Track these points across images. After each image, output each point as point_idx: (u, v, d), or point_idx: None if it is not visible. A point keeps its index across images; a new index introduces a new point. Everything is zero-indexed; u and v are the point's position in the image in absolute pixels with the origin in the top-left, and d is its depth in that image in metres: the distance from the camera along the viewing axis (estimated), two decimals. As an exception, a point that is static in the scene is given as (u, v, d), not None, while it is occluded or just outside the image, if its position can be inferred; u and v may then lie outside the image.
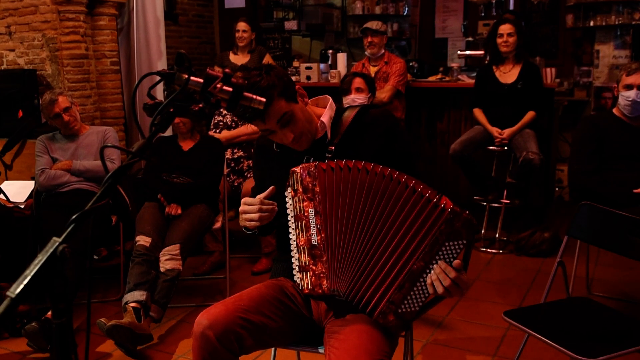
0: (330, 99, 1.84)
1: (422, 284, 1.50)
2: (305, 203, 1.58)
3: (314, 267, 1.58)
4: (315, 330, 1.77)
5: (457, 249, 1.47)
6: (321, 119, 1.77)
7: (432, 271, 1.48)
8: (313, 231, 1.58)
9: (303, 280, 1.60)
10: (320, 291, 1.58)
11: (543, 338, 1.96)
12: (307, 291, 1.60)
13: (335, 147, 1.75)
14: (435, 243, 1.47)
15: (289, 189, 1.62)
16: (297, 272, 1.62)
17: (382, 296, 1.53)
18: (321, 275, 1.57)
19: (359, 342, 1.53)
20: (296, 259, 1.62)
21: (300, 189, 1.59)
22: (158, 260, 2.97)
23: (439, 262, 1.47)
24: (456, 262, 1.47)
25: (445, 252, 1.47)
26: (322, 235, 1.57)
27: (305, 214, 1.58)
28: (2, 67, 4.54)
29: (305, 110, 1.74)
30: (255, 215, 1.64)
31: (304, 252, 1.59)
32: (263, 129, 1.69)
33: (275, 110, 1.64)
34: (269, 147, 1.84)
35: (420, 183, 1.51)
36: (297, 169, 1.60)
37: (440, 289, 1.47)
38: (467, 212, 1.47)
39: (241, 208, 1.68)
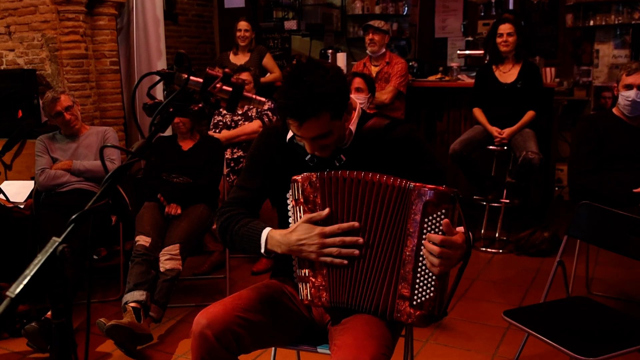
0: (358, 103, 1.76)
1: (423, 268, 1.49)
2: (306, 214, 1.57)
3: (313, 279, 1.57)
4: (315, 330, 1.77)
5: (439, 220, 1.47)
6: (349, 126, 1.69)
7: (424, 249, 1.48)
8: None
9: (302, 291, 1.59)
10: (319, 303, 1.58)
11: (543, 337, 1.96)
12: (306, 302, 1.60)
13: (348, 157, 1.68)
14: (415, 223, 1.48)
15: (290, 198, 1.60)
16: (297, 281, 1.61)
17: (387, 296, 1.53)
18: (320, 287, 1.56)
19: (365, 328, 1.54)
20: (297, 268, 1.61)
21: (302, 199, 1.56)
22: (158, 260, 2.97)
23: (424, 237, 1.47)
24: (445, 221, 1.45)
25: (429, 229, 1.47)
26: None
27: None
28: (2, 67, 4.53)
29: (342, 127, 1.65)
30: (334, 250, 1.52)
31: (304, 263, 1.58)
32: (295, 133, 1.60)
33: (316, 125, 1.54)
34: (281, 135, 1.76)
35: (402, 179, 1.50)
36: (299, 178, 1.55)
37: (436, 261, 1.45)
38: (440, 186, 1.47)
39: (321, 240, 1.52)
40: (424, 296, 1.49)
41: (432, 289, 1.49)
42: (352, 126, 1.70)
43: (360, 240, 1.52)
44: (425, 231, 1.47)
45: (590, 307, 2.25)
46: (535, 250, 3.98)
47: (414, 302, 1.50)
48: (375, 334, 1.53)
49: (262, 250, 1.62)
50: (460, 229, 1.50)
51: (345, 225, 1.52)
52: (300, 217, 1.57)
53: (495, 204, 4.23)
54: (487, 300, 3.31)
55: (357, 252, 1.52)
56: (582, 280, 3.37)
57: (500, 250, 4.13)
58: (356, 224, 1.52)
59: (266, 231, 1.62)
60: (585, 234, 2.36)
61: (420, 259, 1.49)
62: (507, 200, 4.16)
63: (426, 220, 1.47)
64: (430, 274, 1.49)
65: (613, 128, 3.12)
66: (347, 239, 1.52)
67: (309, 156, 1.68)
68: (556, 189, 5.37)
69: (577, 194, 3.14)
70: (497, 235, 4.25)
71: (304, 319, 1.76)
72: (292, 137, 1.73)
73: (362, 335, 1.52)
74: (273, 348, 1.95)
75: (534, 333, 2.00)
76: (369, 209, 1.53)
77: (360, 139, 1.70)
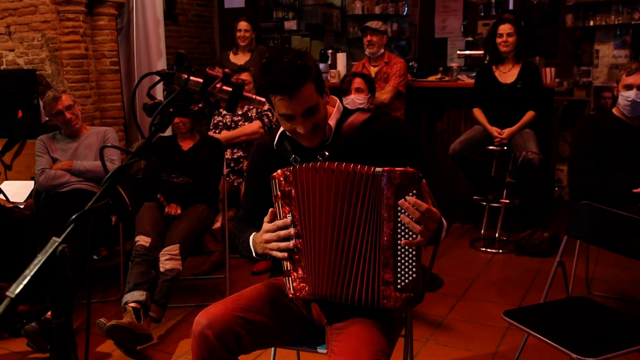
0: (338, 101, 1.80)
1: (403, 251, 1.49)
2: (284, 208, 1.58)
3: (294, 273, 1.58)
4: (315, 330, 1.77)
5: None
6: (329, 121, 1.73)
7: (401, 225, 1.48)
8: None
9: (287, 285, 1.61)
10: (301, 295, 1.59)
11: (543, 338, 1.96)
12: (290, 296, 1.61)
13: (332, 153, 1.70)
14: (389, 207, 1.48)
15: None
16: (284, 275, 1.63)
17: (373, 284, 1.52)
18: (301, 280, 1.58)
19: (360, 334, 1.54)
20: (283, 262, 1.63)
21: (279, 194, 1.58)
22: (158, 260, 2.97)
23: (404, 204, 1.46)
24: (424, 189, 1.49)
25: (403, 211, 1.48)
26: (300, 240, 1.57)
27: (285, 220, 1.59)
28: (2, 67, 4.54)
29: (325, 107, 1.71)
30: (274, 245, 1.59)
31: (286, 257, 1.60)
32: (284, 112, 1.62)
33: (305, 96, 1.58)
34: (269, 146, 1.82)
35: (369, 166, 1.51)
36: (276, 175, 1.58)
37: (417, 228, 1.45)
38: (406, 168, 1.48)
39: (264, 236, 1.61)
40: (407, 278, 1.50)
41: (414, 269, 1.49)
42: (332, 121, 1.73)
43: (292, 231, 1.57)
44: (399, 214, 1.48)
45: (590, 307, 2.25)
46: (536, 251, 3.98)
47: (399, 286, 1.50)
48: (371, 339, 1.53)
49: (254, 255, 1.73)
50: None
51: (279, 222, 1.59)
52: (281, 212, 1.59)
53: (496, 204, 4.23)
54: (487, 300, 3.31)
55: (291, 244, 1.56)
56: (582, 280, 3.37)
57: (501, 251, 4.13)
58: (288, 220, 1.57)
59: (252, 237, 1.73)
60: (585, 234, 2.36)
61: (399, 241, 1.49)
62: (507, 201, 4.16)
63: (399, 203, 1.48)
64: (411, 256, 1.49)
65: (613, 128, 3.12)
66: (282, 233, 1.58)
67: (292, 157, 1.73)
68: (556, 189, 5.37)
69: (577, 194, 3.14)
70: (497, 235, 4.24)
71: (303, 319, 1.77)
72: (279, 143, 1.78)
73: (357, 342, 1.52)
74: (273, 348, 1.95)
75: (534, 333, 2.00)
76: (338, 197, 1.53)
77: (343, 135, 1.72)
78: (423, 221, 1.46)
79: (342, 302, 1.56)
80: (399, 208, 1.47)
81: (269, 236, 1.60)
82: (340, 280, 1.55)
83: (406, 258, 1.50)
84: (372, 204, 1.51)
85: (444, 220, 1.59)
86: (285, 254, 1.58)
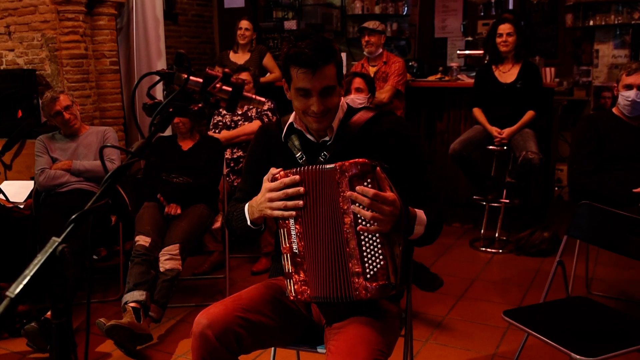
0: (343, 99, 1.80)
1: (366, 239, 1.50)
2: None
3: (296, 276, 1.59)
4: (315, 330, 1.77)
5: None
6: (331, 123, 1.73)
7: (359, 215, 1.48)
8: (294, 239, 1.58)
9: (288, 287, 1.61)
10: (302, 298, 1.59)
11: (542, 337, 1.96)
12: (292, 298, 1.61)
13: (334, 152, 1.71)
14: (346, 200, 1.49)
15: None
16: (285, 277, 1.63)
17: (346, 278, 1.53)
18: (303, 283, 1.58)
19: (357, 333, 1.55)
20: (284, 264, 1.62)
21: None
22: (157, 260, 2.97)
23: (352, 194, 1.47)
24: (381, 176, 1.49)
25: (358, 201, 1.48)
26: (303, 242, 1.57)
27: (286, 221, 1.58)
28: (2, 67, 4.53)
29: (339, 98, 1.71)
30: (281, 204, 1.55)
31: (288, 260, 1.60)
32: (303, 86, 1.62)
33: (327, 74, 1.61)
34: (276, 134, 1.81)
35: (324, 164, 1.53)
36: (281, 173, 1.59)
37: (368, 214, 1.45)
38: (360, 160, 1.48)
39: (268, 195, 1.57)
40: (376, 266, 1.49)
41: (381, 257, 1.49)
42: (335, 122, 1.73)
43: (302, 190, 1.55)
44: (351, 205, 1.48)
45: (590, 307, 2.25)
46: (535, 250, 3.99)
47: (368, 275, 1.50)
48: (368, 338, 1.53)
49: (249, 223, 1.69)
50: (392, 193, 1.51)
51: (287, 179, 1.56)
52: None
53: (495, 204, 4.23)
54: (487, 300, 3.31)
55: (300, 203, 1.54)
56: (582, 280, 3.37)
57: (500, 250, 4.13)
58: (297, 177, 1.55)
59: (247, 205, 1.70)
60: (585, 234, 2.36)
61: (360, 232, 1.49)
62: (507, 200, 4.16)
63: (348, 194, 1.48)
64: (375, 244, 1.49)
65: (613, 128, 3.12)
66: (290, 190, 1.55)
67: (299, 153, 1.73)
68: (556, 189, 5.37)
69: (577, 194, 3.14)
70: (497, 235, 4.24)
71: (303, 319, 1.77)
72: (287, 136, 1.78)
73: (354, 341, 1.52)
74: (273, 348, 1.95)
75: (534, 333, 2.00)
76: (317, 198, 1.54)
77: (347, 133, 1.72)
78: (374, 207, 1.45)
79: (333, 301, 1.56)
80: (354, 205, 1.48)
81: (274, 194, 1.56)
82: (327, 280, 1.55)
83: (370, 247, 1.50)
84: (331, 199, 1.52)
85: (423, 215, 1.60)
86: (293, 213, 1.55)
